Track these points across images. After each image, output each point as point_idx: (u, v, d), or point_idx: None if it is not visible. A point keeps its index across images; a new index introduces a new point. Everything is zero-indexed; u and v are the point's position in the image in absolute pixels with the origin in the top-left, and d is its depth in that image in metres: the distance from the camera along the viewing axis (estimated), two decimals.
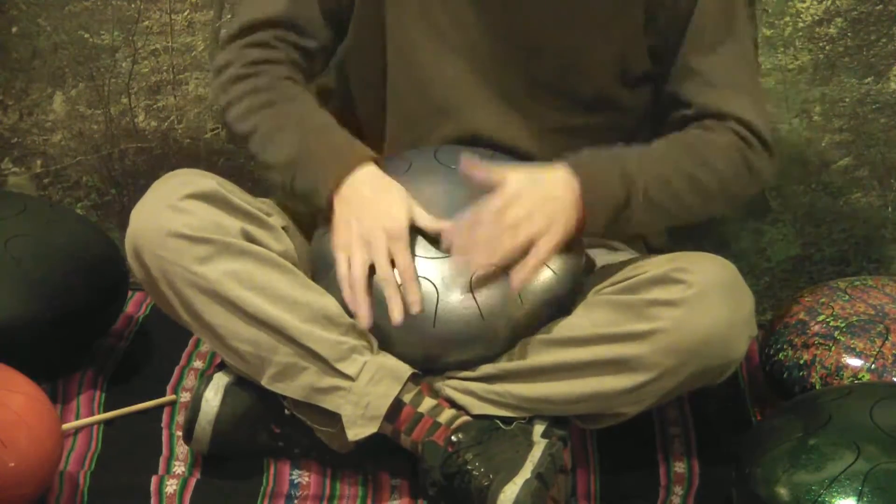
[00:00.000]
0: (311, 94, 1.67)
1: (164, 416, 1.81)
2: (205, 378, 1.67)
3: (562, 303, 1.60)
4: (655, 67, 1.66)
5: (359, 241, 1.55)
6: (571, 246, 1.60)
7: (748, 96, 1.65)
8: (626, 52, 1.65)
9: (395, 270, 1.55)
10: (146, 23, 2.02)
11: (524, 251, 1.53)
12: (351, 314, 1.58)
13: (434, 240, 1.58)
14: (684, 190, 1.60)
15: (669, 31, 1.63)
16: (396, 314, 1.54)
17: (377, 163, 1.60)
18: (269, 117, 1.62)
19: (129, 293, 1.99)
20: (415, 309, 1.54)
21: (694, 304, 1.52)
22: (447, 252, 1.57)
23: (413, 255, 1.57)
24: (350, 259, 1.56)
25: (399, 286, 1.54)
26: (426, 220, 1.57)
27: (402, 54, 1.68)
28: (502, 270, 1.54)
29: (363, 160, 1.59)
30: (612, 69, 1.66)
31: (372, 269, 1.56)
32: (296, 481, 1.68)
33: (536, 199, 1.55)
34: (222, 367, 1.68)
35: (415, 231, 1.58)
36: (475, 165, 1.57)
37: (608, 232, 1.61)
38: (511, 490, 1.51)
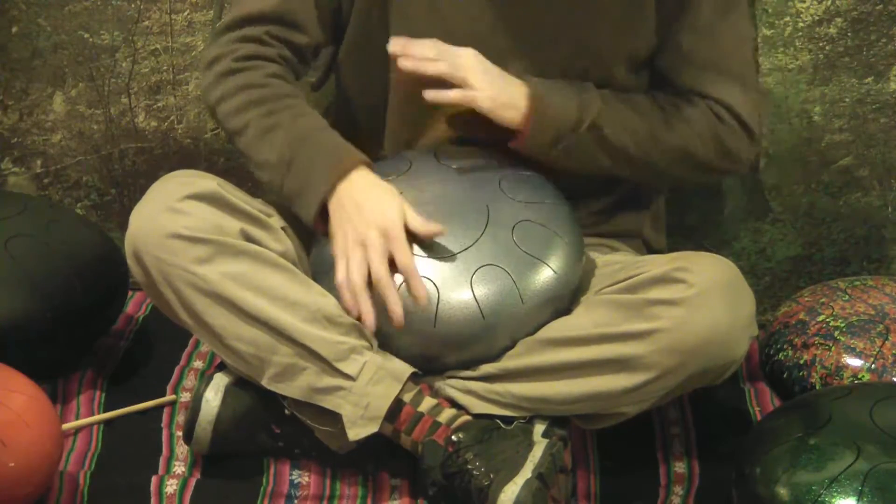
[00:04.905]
0: (301, 92, 1.67)
1: (164, 416, 1.80)
2: (205, 378, 1.67)
3: (562, 302, 1.60)
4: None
5: (355, 244, 1.55)
6: (572, 245, 1.61)
7: (736, 83, 1.66)
8: (635, 39, 1.65)
9: (396, 273, 1.55)
10: (146, 23, 2.02)
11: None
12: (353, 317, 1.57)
13: (433, 240, 1.59)
14: (641, 140, 1.64)
15: (670, 12, 1.63)
16: (396, 316, 1.53)
17: (369, 167, 1.60)
18: (260, 115, 1.61)
19: (129, 293, 1.99)
20: (422, 303, 1.54)
21: (694, 303, 1.51)
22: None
23: (413, 254, 1.57)
24: (347, 263, 1.55)
25: (398, 286, 1.54)
26: (417, 222, 1.57)
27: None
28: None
29: (356, 164, 1.59)
30: (621, 57, 1.66)
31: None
32: (296, 481, 1.68)
33: (482, 63, 1.60)
34: (222, 367, 1.68)
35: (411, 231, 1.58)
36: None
37: (550, 155, 1.63)
38: (511, 490, 1.51)
